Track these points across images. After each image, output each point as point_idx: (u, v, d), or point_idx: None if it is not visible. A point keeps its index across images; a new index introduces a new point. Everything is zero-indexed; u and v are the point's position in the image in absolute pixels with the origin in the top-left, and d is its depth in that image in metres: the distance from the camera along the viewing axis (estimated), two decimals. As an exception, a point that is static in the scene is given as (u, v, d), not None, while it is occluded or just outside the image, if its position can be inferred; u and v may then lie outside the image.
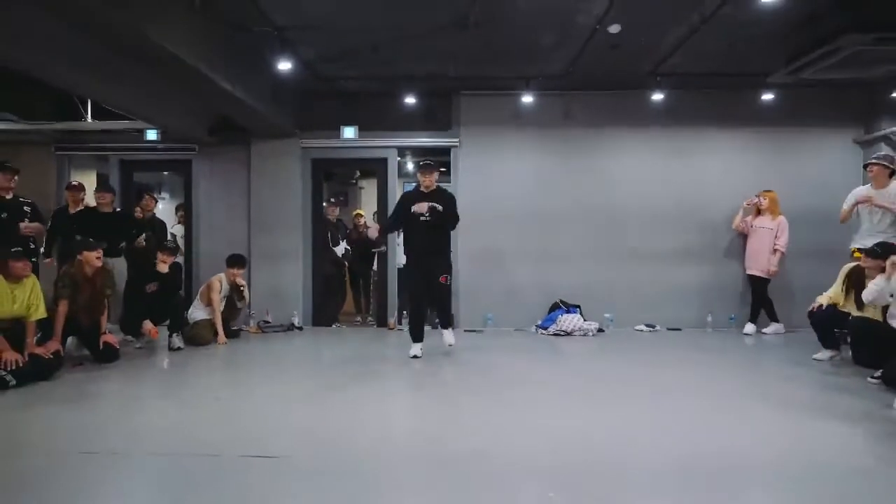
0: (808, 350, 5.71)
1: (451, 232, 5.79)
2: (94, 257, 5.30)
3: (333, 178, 11.50)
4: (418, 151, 8.37)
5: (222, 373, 5.49)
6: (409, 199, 5.57)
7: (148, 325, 6.04)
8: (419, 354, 5.54)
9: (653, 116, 7.53)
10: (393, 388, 4.80)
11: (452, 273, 5.74)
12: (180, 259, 8.00)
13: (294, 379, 4.98)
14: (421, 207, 5.39)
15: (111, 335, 5.47)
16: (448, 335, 5.65)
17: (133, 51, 4.93)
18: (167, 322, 6.24)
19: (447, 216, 5.50)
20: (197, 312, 6.67)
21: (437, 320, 6.03)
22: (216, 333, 6.49)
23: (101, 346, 5.30)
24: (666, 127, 7.63)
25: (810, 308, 5.45)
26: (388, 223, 6.09)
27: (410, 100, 7.51)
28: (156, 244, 6.71)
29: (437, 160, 6.92)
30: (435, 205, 5.41)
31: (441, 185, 5.71)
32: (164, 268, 6.31)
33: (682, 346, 6.59)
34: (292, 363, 5.86)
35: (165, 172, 9.97)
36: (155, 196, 7.92)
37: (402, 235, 5.92)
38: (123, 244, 6.70)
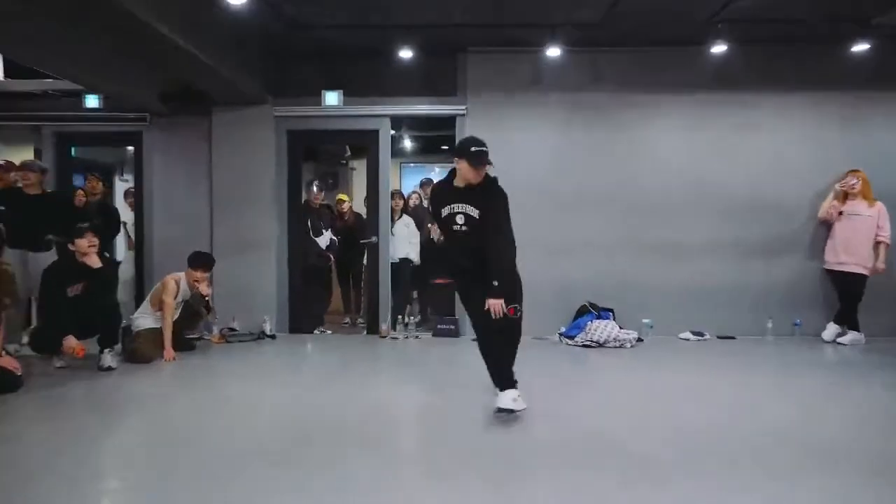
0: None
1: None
2: (-18, 256, 3.96)
3: (319, 157, 10.18)
4: (416, 122, 7.00)
5: (156, 409, 4.13)
6: (438, 196, 3.91)
7: (70, 341, 4.66)
8: (515, 408, 3.58)
9: (705, 79, 6.18)
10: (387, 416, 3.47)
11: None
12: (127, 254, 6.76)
13: (253, 414, 3.67)
14: (455, 214, 3.75)
15: (9, 357, 4.17)
16: (504, 397, 3.63)
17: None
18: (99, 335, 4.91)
19: (489, 224, 3.67)
20: (143, 319, 5.41)
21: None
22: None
23: (-6, 373, 4.00)
24: (721, 92, 6.25)
25: None
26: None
27: (406, 54, 6.09)
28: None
29: (441, 134, 5.51)
30: (468, 212, 3.71)
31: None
32: (94, 260, 4.88)
33: (741, 360, 5.33)
34: (254, 388, 4.48)
35: (130, 148, 8.53)
36: (100, 177, 6.60)
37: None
38: (51, 236, 5.44)
